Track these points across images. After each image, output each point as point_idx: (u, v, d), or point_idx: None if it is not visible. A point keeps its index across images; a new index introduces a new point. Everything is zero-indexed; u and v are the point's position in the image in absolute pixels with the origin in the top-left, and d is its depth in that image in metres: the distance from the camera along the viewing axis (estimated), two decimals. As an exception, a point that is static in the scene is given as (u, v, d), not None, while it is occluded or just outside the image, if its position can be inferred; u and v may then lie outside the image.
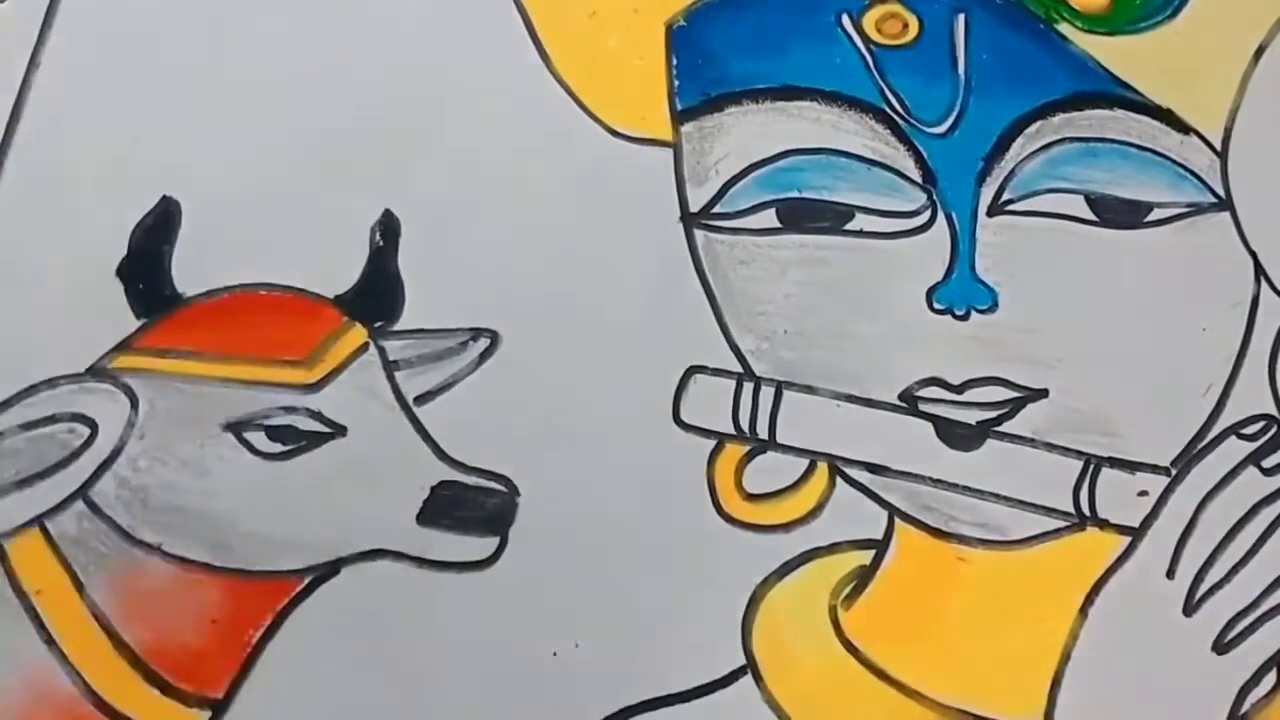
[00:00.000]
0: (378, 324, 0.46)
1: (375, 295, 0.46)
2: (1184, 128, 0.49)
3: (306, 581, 0.44)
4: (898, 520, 0.46)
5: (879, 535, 0.46)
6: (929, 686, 0.44)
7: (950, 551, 0.45)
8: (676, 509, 0.45)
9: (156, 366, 0.45)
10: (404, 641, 0.44)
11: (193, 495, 0.44)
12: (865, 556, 0.45)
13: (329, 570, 0.44)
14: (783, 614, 0.44)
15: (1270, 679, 0.44)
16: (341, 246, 0.47)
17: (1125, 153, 0.49)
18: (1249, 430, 0.47)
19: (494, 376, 0.46)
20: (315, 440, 0.44)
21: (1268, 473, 0.46)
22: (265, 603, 0.43)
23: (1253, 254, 0.49)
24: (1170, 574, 0.45)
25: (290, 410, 0.44)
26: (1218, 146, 0.49)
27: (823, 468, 0.46)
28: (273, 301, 0.46)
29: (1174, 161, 0.49)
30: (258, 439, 0.44)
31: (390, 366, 0.45)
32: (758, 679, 0.44)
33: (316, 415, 0.44)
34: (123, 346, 0.45)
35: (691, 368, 0.47)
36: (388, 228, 0.47)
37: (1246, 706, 0.43)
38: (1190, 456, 0.46)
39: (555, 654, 0.43)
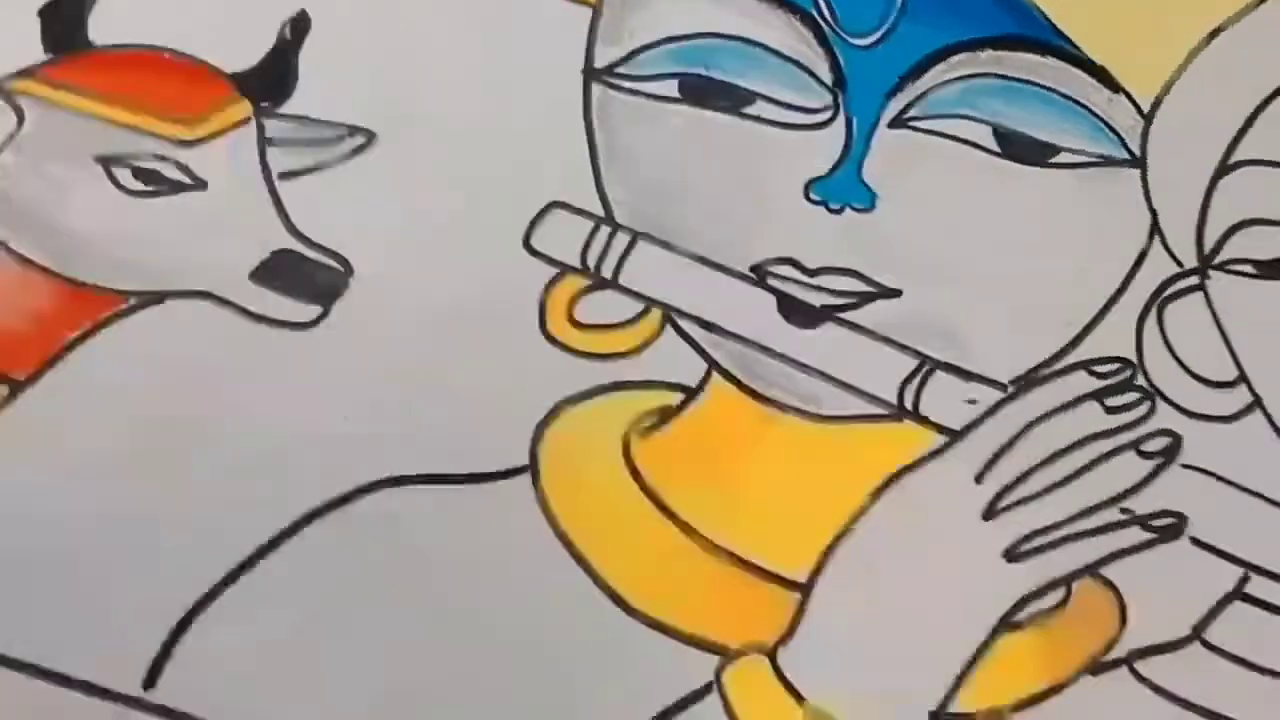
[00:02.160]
0: (264, 104, 0.69)
1: (268, 79, 0.68)
2: (1116, 87, 0.60)
3: (131, 303, 0.66)
4: (716, 374, 0.58)
5: (694, 384, 0.58)
6: (704, 525, 0.54)
7: (760, 411, 0.56)
8: (502, 320, 0.56)
9: (50, 96, 0.67)
10: (204, 378, 0.64)
11: (50, 207, 0.64)
12: (674, 399, 0.57)
13: (155, 299, 0.65)
14: (577, 428, 0.55)
15: (1057, 595, 0.56)
16: (250, 34, 0.70)
17: (1049, 98, 0.60)
18: (1102, 369, 0.57)
19: (362, 170, 0.68)
20: (176, 189, 0.65)
21: (1110, 411, 0.56)
22: (88, 311, 0.64)
23: (1153, 212, 0.59)
24: (979, 479, 0.55)
25: (161, 159, 0.65)
26: (1146, 110, 0.69)
27: (656, 314, 0.59)
28: (173, 64, 0.67)
29: (1097, 116, 0.59)
30: (124, 176, 0.65)
31: (264, 141, 0.67)
32: (535, 479, 0.56)
33: (184, 168, 0.64)
34: (25, 73, 0.69)
35: (554, 202, 0.61)
36: (298, 25, 0.70)
37: (1022, 615, 0.54)
38: (1033, 379, 0.58)
39: (346, 418, 0.63)
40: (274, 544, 0.53)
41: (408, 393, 0.57)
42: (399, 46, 0.62)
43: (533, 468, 0.54)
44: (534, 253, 0.59)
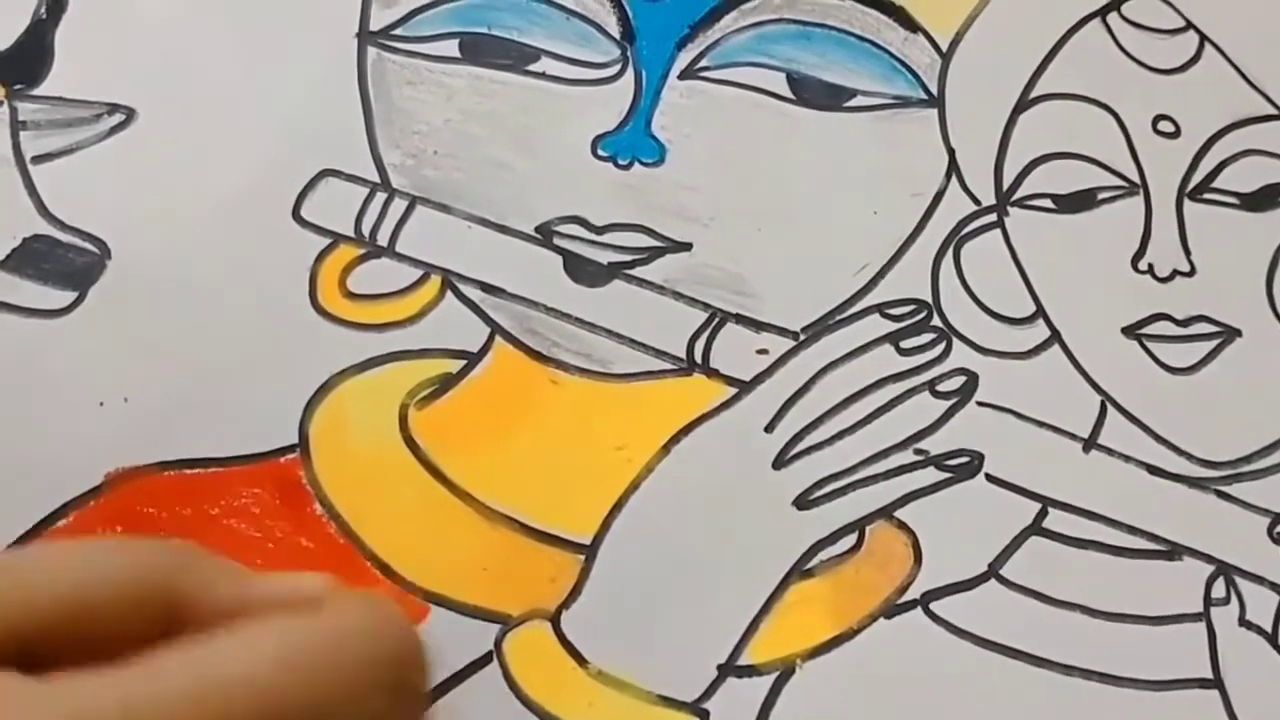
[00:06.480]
0: (17, 86, 0.72)
1: (23, 61, 0.72)
2: (913, 25, 0.64)
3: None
4: (498, 338, 0.60)
5: (475, 350, 0.60)
6: (483, 492, 0.55)
7: (544, 373, 0.57)
8: (270, 296, 0.58)
9: None
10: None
11: None
12: (454, 366, 0.59)
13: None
14: (350, 403, 0.56)
15: (849, 541, 0.60)
16: (6, 12, 0.73)
17: (842, 40, 0.63)
18: (896, 311, 0.59)
19: (121, 149, 0.70)
20: (-79, 177, 0.67)
21: (904, 353, 0.58)
22: None
23: (951, 151, 0.63)
24: (770, 428, 0.56)
25: (-92, 147, 0.68)
26: (944, 49, 0.74)
27: (436, 280, 0.67)
28: (-83, 49, 0.70)
29: (893, 55, 0.62)
30: None
31: (18, 125, 0.70)
32: (305, 457, 0.59)
33: (-68, 157, 0.68)
34: None
35: (325, 170, 0.64)
36: (55, 4, 0.74)
37: (815, 561, 0.57)
38: (825, 326, 0.60)
39: (102, 404, 0.65)
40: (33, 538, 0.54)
41: (171, 376, 0.58)
42: (162, 18, 0.63)
43: (302, 447, 0.54)
44: (305, 223, 0.61)
